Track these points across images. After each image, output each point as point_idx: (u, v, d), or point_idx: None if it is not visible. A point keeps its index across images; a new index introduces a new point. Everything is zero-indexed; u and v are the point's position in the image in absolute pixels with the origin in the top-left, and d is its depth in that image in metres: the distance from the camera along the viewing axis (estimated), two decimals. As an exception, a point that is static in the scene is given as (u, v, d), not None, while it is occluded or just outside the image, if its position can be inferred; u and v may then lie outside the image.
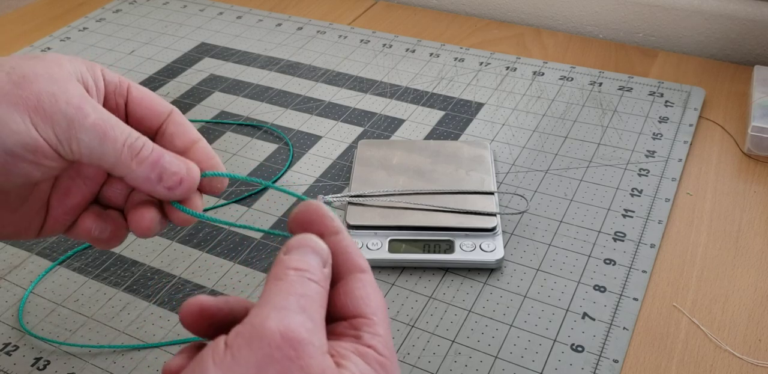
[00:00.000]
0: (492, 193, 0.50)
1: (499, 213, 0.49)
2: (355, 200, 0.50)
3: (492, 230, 0.48)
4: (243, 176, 0.32)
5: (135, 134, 0.30)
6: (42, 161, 0.29)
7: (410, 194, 0.50)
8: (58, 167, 0.30)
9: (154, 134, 0.33)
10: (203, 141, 0.33)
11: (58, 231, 0.34)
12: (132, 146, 0.29)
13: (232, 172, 0.56)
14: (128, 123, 0.32)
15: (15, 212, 0.32)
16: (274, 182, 0.56)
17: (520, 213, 0.50)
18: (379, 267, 0.48)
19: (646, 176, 0.55)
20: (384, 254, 0.47)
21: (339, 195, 0.50)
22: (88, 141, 0.28)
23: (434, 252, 0.47)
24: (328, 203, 0.50)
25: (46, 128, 0.28)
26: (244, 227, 0.32)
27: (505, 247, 0.49)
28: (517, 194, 0.53)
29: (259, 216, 0.52)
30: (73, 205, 0.33)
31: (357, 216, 0.49)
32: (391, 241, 0.48)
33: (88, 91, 0.30)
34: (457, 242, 0.47)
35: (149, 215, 0.32)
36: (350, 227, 0.49)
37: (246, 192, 0.55)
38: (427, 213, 0.49)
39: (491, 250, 0.47)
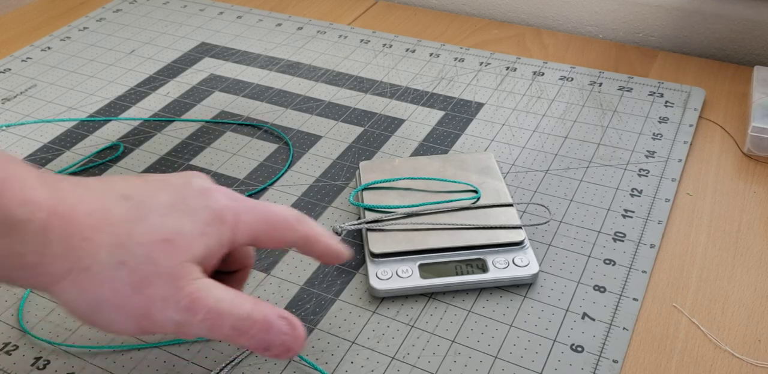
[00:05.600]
0: (510, 205, 0.48)
1: (524, 225, 0.47)
2: (373, 226, 0.47)
3: (521, 243, 0.46)
4: None
5: (242, 313, 0.32)
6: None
7: (429, 214, 0.48)
8: None
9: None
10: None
11: None
12: (239, 328, 0.32)
13: (231, 172, 0.56)
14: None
15: None
16: (274, 182, 0.56)
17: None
18: (414, 296, 0.45)
19: (646, 176, 0.55)
20: (417, 281, 0.44)
21: (356, 222, 0.47)
22: (197, 333, 0.32)
23: (468, 274, 0.45)
24: (344, 232, 0.46)
25: (155, 329, 0.31)
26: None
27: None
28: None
29: (259, 216, 0.52)
30: None
31: (380, 244, 0.46)
32: (420, 266, 0.45)
33: (210, 256, 0.33)
34: (489, 260, 0.45)
35: None
36: (374, 255, 0.46)
37: (245, 192, 0.55)
38: (452, 233, 0.46)
39: (525, 265, 0.45)
